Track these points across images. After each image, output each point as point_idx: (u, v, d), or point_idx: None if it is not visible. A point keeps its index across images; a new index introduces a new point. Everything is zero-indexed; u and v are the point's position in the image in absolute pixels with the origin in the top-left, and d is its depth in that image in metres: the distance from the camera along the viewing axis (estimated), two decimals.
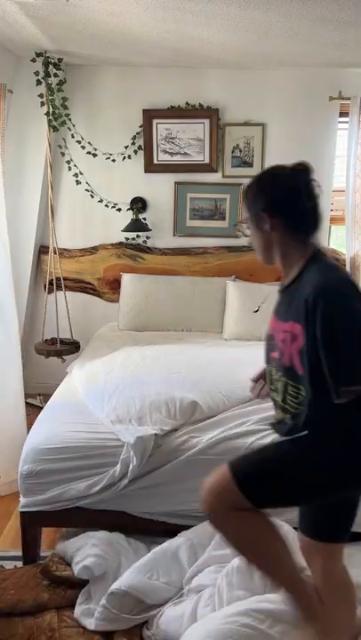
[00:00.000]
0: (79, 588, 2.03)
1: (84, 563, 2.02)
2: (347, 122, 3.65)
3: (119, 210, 3.86)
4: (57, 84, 3.46)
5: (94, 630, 1.87)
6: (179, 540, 2.12)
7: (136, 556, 2.12)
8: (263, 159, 3.82)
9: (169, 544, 2.12)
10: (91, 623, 1.88)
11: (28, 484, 2.21)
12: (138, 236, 3.94)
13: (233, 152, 3.81)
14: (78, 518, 2.27)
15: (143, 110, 3.73)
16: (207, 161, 3.81)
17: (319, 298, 1.39)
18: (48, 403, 2.64)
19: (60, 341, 3.63)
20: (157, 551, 2.09)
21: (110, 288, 4.00)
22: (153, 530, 2.25)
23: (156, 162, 3.83)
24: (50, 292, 3.77)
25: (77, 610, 1.94)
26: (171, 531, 2.20)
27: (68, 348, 3.60)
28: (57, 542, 2.33)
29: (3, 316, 3.17)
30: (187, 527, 2.18)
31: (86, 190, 3.86)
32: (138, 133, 3.77)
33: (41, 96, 3.40)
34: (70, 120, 3.64)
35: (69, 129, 3.68)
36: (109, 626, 1.88)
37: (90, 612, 1.92)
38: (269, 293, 3.64)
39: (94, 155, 3.78)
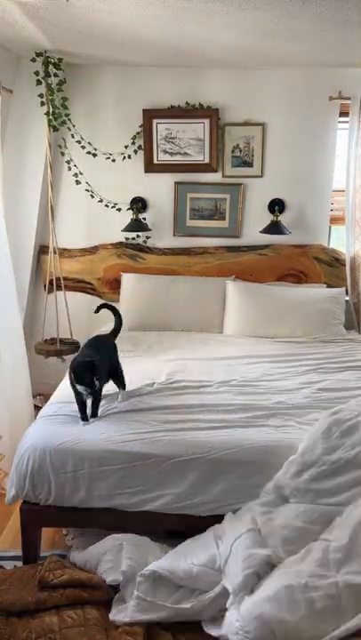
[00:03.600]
0: (79, 587, 2.02)
1: (121, 567, 2.01)
2: (347, 122, 3.65)
3: (119, 210, 3.86)
4: (57, 84, 3.46)
5: (129, 622, 1.82)
6: (207, 533, 2.11)
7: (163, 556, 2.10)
8: (263, 159, 3.82)
9: (197, 537, 2.12)
10: (126, 615, 1.84)
11: (23, 484, 2.21)
12: (138, 236, 3.94)
13: (233, 152, 3.81)
14: (78, 518, 2.27)
15: (143, 110, 3.73)
16: (207, 161, 3.81)
17: None
18: (47, 403, 2.63)
19: (59, 341, 3.63)
20: (185, 542, 2.09)
21: (110, 288, 4.00)
22: (155, 528, 2.25)
23: (156, 162, 3.83)
24: (50, 292, 3.78)
25: (113, 612, 1.92)
26: (173, 530, 2.20)
27: (68, 347, 3.60)
28: (70, 550, 2.32)
29: (8, 318, 3.20)
30: (192, 518, 2.17)
31: (86, 190, 3.86)
32: (138, 133, 3.77)
33: (41, 96, 3.40)
34: (70, 120, 3.64)
35: (69, 129, 3.68)
36: (146, 615, 1.83)
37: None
38: (270, 293, 3.68)
39: (94, 155, 3.78)
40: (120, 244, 3.96)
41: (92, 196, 3.88)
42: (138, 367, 2.97)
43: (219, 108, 3.73)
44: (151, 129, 3.75)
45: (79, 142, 3.76)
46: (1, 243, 3.17)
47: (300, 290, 3.73)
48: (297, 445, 2.19)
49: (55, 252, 3.65)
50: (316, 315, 3.56)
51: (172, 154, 3.82)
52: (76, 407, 2.43)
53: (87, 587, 2.00)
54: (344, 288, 3.79)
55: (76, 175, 3.78)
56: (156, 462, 2.17)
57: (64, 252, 3.90)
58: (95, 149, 3.78)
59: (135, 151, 3.80)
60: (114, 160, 3.81)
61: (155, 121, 3.74)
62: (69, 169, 3.78)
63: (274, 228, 3.74)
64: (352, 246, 3.77)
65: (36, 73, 3.34)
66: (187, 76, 3.70)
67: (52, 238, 3.63)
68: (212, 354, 3.21)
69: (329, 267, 3.90)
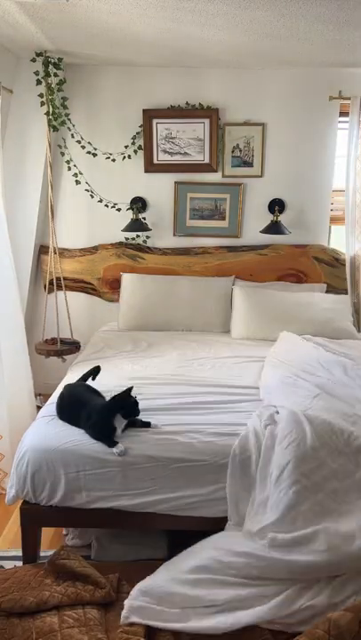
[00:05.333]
0: (82, 579, 2.02)
1: None
2: (347, 122, 3.65)
3: (119, 210, 3.86)
4: (57, 84, 3.46)
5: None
6: None
7: None
8: (263, 159, 3.82)
9: None
10: None
11: (23, 484, 2.21)
12: (138, 236, 3.94)
13: (233, 152, 3.81)
14: (78, 518, 2.27)
15: (143, 110, 3.73)
16: (207, 161, 3.81)
17: None
18: (47, 402, 2.63)
19: (60, 341, 3.63)
20: None
21: (110, 288, 4.00)
22: (155, 529, 2.25)
23: (156, 162, 3.83)
24: (50, 292, 3.78)
25: None
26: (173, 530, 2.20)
27: (68, 347, 3.60)
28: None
29: (9, 318, 3.20)
30: (188, 517, 2.17)
31: (86, 190, 3.86)
32: (138, 133, 3.77)
33: (41, 96, 3.40)
34: (70, 120, 3.64)
35: (69, 129, 3.69)
36: None
37: None
38: (276, 296, 3.66)
39: (94, 154, 3.78)
40: (120, 244, 3.96)
41: (92, 196, 3.88)
42: (138, 367, 2.98)
43: (219, 108, 3.73)
44: (151, 129, 3.75)
45: (79, 142, 3.76)
46: (2, 242, 3.17)
47: (307, 293, 3.71)
48: None
49: (55, 252, 3.65)
50: (323, 317, 3.54)
51: (171, 154, 3.82)
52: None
53: (90, 583, 2.00)
54: (349, 294, 3.78)
55: (75, 175, 3.78)
56: (158, 466, 2.17)
57: (64, 252, 3.91)
58: (95, 149, 3.78)
59: (135, 151, 3.80)
60: (114, 160, 3.81)
61: (155, 121, 3.74)
62: (69, 169, 3.78)
63: (274, 227, 3.74)
64: (352, 246, 3.77)
65: (36, 73, 3.34)
66: (187, 76, 3.70)
67: (52, 238, 3.63)
68: (214, 354, 3.21)
69: (329, 267, 3.90)
